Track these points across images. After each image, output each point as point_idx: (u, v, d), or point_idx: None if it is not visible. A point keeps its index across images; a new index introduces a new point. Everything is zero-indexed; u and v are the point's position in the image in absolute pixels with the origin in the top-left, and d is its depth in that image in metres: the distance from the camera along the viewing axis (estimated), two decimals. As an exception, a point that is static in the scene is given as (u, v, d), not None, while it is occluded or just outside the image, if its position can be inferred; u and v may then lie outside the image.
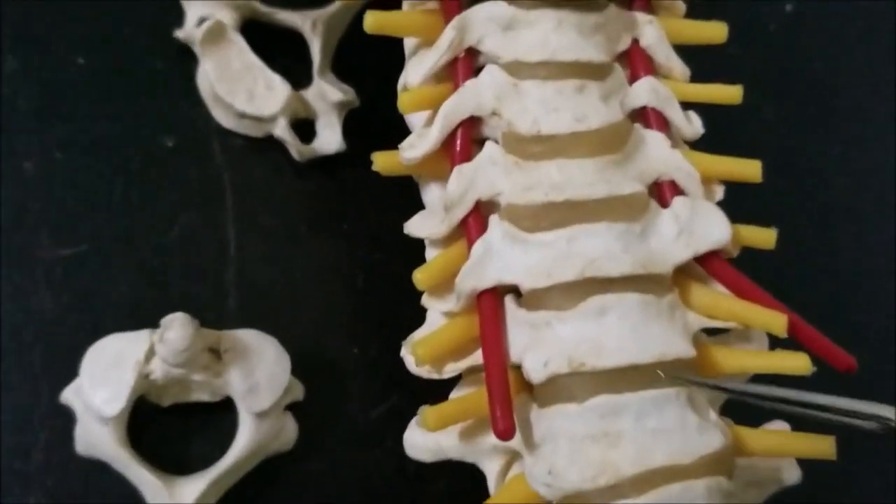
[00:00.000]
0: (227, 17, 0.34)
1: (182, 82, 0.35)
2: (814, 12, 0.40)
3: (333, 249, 0.34)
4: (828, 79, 0.40)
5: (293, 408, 0.31)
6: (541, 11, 0.24)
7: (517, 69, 0.25)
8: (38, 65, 0.34)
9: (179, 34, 0.35)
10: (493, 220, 0.24)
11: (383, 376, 0.33)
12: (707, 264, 0.24)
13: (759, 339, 0.25)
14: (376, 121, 0.33)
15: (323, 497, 0.32)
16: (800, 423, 0.25)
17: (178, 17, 0.35)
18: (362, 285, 0.34)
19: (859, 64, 0.40)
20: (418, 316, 0.26)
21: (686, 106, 0.26)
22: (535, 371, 0.23)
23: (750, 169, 0.26)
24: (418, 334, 0.25)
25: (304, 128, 0.35)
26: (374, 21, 0.25)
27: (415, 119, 0.26)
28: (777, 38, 0.40)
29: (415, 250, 0.27)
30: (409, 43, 0.26)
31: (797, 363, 0.23)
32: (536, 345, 0.23)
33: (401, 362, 0.26)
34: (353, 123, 0.35)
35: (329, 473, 0.32)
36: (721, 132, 0.28)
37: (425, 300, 0.25)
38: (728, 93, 0.26)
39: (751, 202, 0.26)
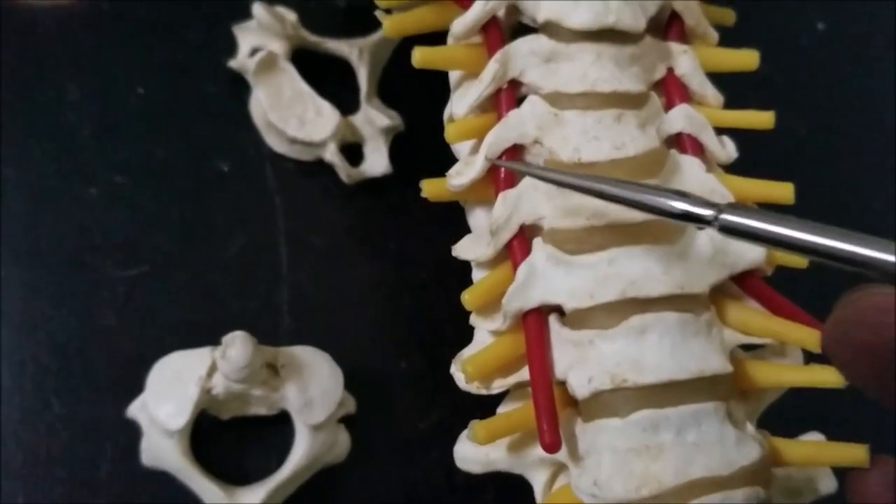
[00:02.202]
0: (279, 47, 0.36)
1: (235, 109, 0.36)
2: (845, 29, 0.41)
3: (381, 268, 0.36)
4: (859, 95, 0.40)
5: (345, 420, 0.33)
6: (580, 45, 0.26)
7: (558, 100, 0.26)
8: (100, 93, 0.36)
9: (233, 63, 0.36)
10: (537, 243, 0.25)
11: (430, 390, 0.34)
12: (742, 283, 0.25)
13: (794, 353, 0.26)
14: (421, 144, 0.34)
15: (375, 506, 0.33)
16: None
17: (230, 47, 0.36)
18: (409, 302, 0.35)
19: (891, 80, 0.41)
20: (462, 331, 0.27)
21: (720, 131, 0.27)
22: (580, 387, 0.24)
23: (783, 191, 0.27)
24: (467, 352, 0.26)
25: (352, 151, 0.36)
26: (422, 56, 0.26)
27: (461, 147, 0.27)
28: (809, 55, 0.41)
29: (458, 268, 0.28)
30: (453, 75, 0.28)
31: (830, 377, 0.24)
32: (580, 362, 0.24)
33: (447, 376, 0.27)
34: (398, 147, 0.36)
35: (380, 483, 0.33)
36: (754, 148, 0.29)
37: (473, 320, 0.26)
38: (760, 118, 0.27)
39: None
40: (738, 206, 0.21)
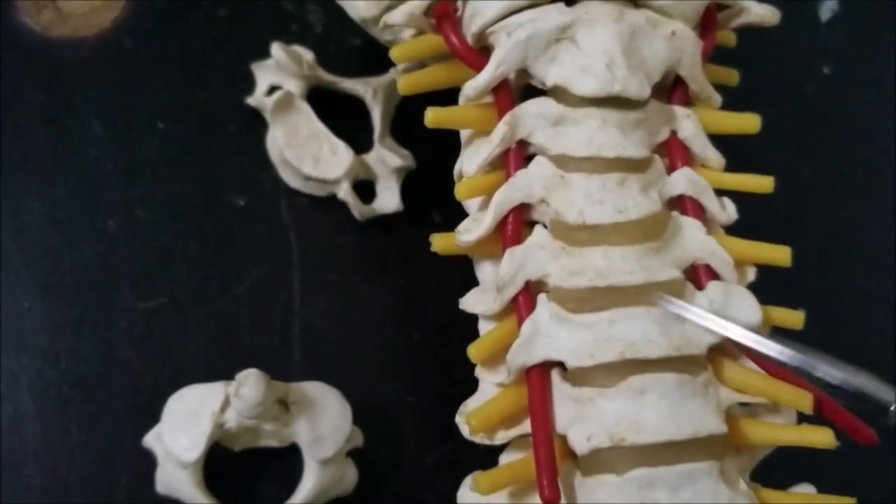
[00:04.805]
0: (295, 86, 0.37)
1: (253, 145, 0.37)
2: (851, 74, 0.42)
3: (391, 304, 0.37)
4: (866, 140, 0.41)
5: (353, 453, 0.34)
6: (586, 110, 0.27)
7: (564, 162, 0.27)
8: (121, 129, 0.37)
9: (251, 101, 0.37)
10: (542, 299, 0.26)
11: (437, 424, 0.35)
12: (739, 344, 0.26)
13: (788, 411, 0.27)
14: (431, 182, 0.35)
15: (380, 538, 0.34)
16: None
17: (249, 85, 0.37)
18: (417, 338, 0.36)
19: (896, 125, 0.41)
20: (469, 367, 0.28)
21: (721, 192, 0.28)
22: (579, 444, 0.25)
23: (780, 254, 0.27)
24: (472, 403, 0.27)
25: (365, 187, 0.37)
26: (434, 116, 0.27)
27: (470, 201, 0.28)
28: (815, 100, 0.41)
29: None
30: (464, 132, 0.29)
31: (822, 438, 0.25)
32: (580, 419, 0.25)
33: (454, 411, 0.28)
34: (410, 184, 0.37)
35: (386, 516, 0.35)
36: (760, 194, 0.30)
37: (478, 372, 0.27)
38: (760, 182, 0.28)
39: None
40: None
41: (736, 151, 0.30)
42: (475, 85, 0.27)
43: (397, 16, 0.28)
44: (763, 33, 0.33)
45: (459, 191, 0.27)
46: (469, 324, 0.29)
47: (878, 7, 0.43)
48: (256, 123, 0.37)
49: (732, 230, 0.29)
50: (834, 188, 0.40)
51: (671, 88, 0.28)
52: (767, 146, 0.35)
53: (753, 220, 0.29)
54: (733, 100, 0.30)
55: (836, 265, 0.39)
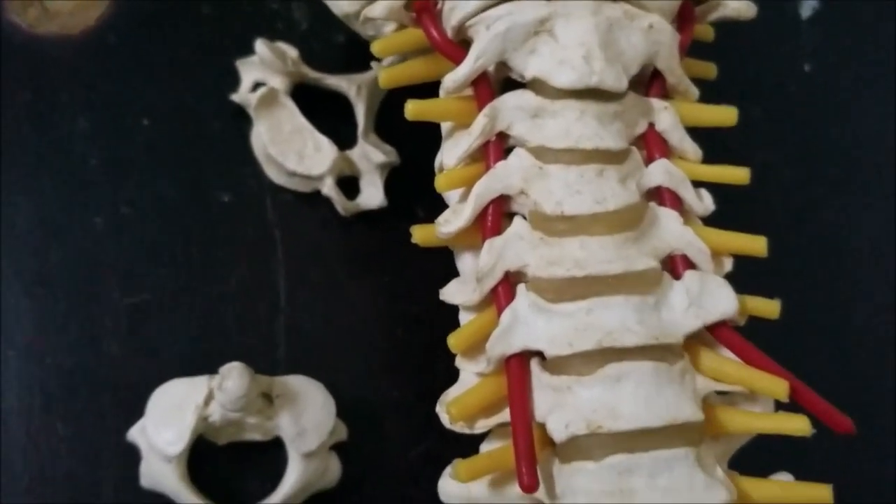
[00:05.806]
0: (280, 82, 0.37)
1: (237, 142, 0.38)
2: (833, 73, 0.42)
3: (375, 300, 0.37)
4: (846, 139, 0.41)
5: (337, 447, 0.34)
6: (564, 102, 0.27)
7: (543, 154, 0.27)
8: (107, 126, 0.37)
9: (235, 98, 0.37)
10: (521, 289, 0.26)
11: (420, 419, 0.35)
12: (716, 333, 0.26)
13: (765, 400, 0.27)
14: (415, 178, 0.35)
15: (364, 531, 0.34)
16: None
17: (234, 82, 0.38)
18: (402, 334, 0.37)
19: (878, 124, 0.41)
20: (452, 363, 0.28)
21: (698, 184, 0.29)
22: (557, 431, 0.25)
23: (756, 245, 0.28)
24: (452, 392, 0.27)
25: (349, 183, 0.38)
26: (414, 109, 0.27)
27: (451, 193, 0.29)
28: (796, 99, 0.42)
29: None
30: (445, 125, 0.29)
31: (798, 425, 0.26)
32: (558, 407, 0.25)
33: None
34: (394, 179, 0.38)
35: (370, 510, 0.35)
36: (740, 190, 0.30)
37: (459, 362, 0.27)
38: (737, 174, 0.28)
39: (770, 258, 0.29)
40: None
41: (717, 147, 0.30)
42: (455, 77, 0.27)
43: (377, 10, 0.28)
44: (745, 30, 0.33)
45: (439, 183, 0.27)
46: (453, 318, 0.29)
47: (859, 5, 0.43)
48: (241, 120, 0.38)
49: (713, 223, 0.29)
50: (814, 185, 0.41)
51: (649, 81, 0.29)
52: (749, 143, 0.35)
53: (734, 215, 0.29)
54: (714, 97, 0.31)
55: (814, 259, 0.39)
